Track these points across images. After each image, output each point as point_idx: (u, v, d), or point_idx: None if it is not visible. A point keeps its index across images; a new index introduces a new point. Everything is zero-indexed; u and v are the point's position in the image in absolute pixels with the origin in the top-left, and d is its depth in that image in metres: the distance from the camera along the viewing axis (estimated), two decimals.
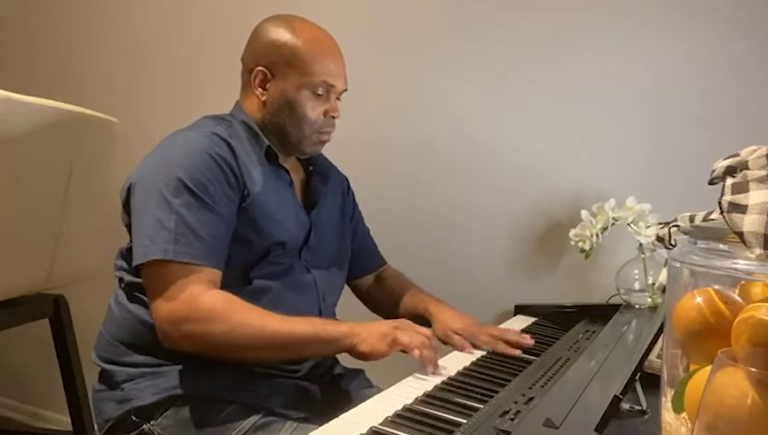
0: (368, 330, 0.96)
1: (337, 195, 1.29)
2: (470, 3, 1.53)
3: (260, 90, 1.12)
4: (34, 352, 1.96)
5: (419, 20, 1.58)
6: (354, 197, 1.36)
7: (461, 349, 1.07)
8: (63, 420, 2.03)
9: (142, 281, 1.01)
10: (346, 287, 1.32)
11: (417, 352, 0.92)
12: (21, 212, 1.30)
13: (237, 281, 1.02)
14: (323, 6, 1.66)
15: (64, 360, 1.54)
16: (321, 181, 1.24)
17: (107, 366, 1.08)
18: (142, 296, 1.05)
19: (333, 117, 1.13)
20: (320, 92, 1.10)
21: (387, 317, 1.31)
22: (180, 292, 0.94)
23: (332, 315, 1.22)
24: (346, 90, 1.16)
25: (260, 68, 1.11)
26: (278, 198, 1.10)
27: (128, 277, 1.08)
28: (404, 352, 0.94)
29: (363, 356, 0.95)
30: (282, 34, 1.10)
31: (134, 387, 1.03)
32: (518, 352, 1.05)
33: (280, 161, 1.13)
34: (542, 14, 1.46)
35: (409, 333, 0.95)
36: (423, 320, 1.21)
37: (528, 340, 1.09)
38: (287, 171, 1.14)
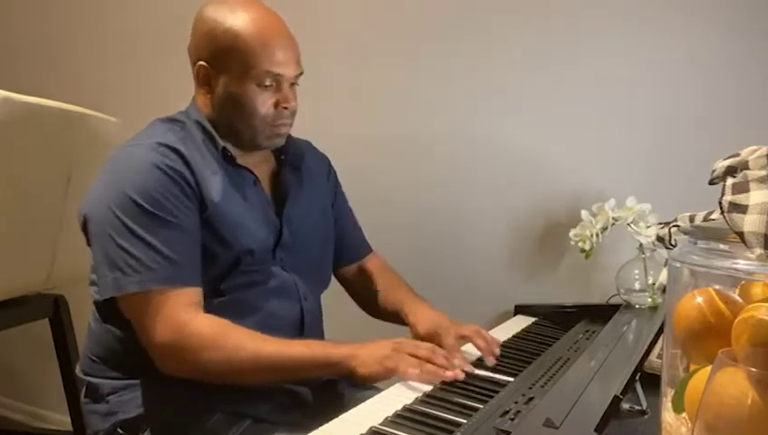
0: (368, 352, 0.91)
1: (316, 181, 1.20)
2: (470, 3, 1.52)
3: (206, 87, 1.04)
4: (34, 352, 1.96)
5: (420, 20, 1.58)
6: (336, 178, 1.28)
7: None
8: (63, 420, 2.03)
9: (113, 303, 0.97)
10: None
11: (421, 374, 0.87)
12: (21, 212, 1.30)
13: (208, 294, 0.97)
14: (325, 6, 1.66)
15: (64, 360, 1.54)
16: (293, 171, 1.15)
17: (92, 380, 1.05)
18: (113, 316, 1.02)
19: (286, 108, 1.03)
20: (267, 84, 1.00)
21: (368, 310, 1.28)
22: (167, 320, 0.91)
23: (317, 315, 1.16)
24: (301, 73, 1.05)
25: (201, 63, 1.02)
26: (241, 202, 1.03)
27: (97, 296, 1.03)
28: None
29: (362, 380, 0.91)
30: (218, 23, 0.99)
31: (118, 399, 1.01)
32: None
33: (239, 162, 1.05)
34: (542, 15, 1.46)
35: (403, 358, 0.89)
36: (399, 320, 1.17)
37: (493, 355, 0.99)
38: (249, 170, 1.07)
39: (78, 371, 1.10)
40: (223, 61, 1.00)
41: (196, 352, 0.91)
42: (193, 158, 1.00)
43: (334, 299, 1.27)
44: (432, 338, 1.03)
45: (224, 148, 1.03)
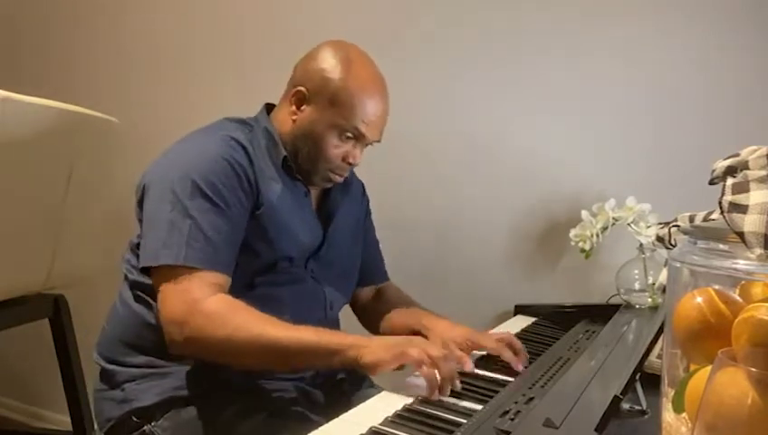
0: (378, 343, 0.90)
1: (354, 202, 1.27)
2: (471, 2, 1.53)
3: (293, 108, 1.10)
4: (34, 352, 1.96)
5: (421, 19, 1.58)
6: (368, 203, 1.33)
7: (463, 365, 0.94)
8: (63, 420, 2.03)
9: (151, 282, 1.00)
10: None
11: (424, 369, 0.84)
12: (21, 212, 1.30)
13: (241, 286, 1.01)
14: (325, 4, 1.66)
15: (64, 360, 1.54)
16: (342, 191, 1.21)
17: (108, 366, 1.07)
18: (146, 297, 1.05)
19: (350, 163, 1.10)
20: (349, 136, 1.07)
21: (379, 329, 1.27)
22: (185, 295, 0.93)
23: (336, 325, 1.20)
24: (378, 141, 1.12)
25: (302, 88, 1.08)
26: (292, 210, 1.09)
27: (132, 276, 1.07)
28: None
29: (368, 368, 0.88)
30: (335, 68, 1.06)
31: (135, 387, 1.03)
32: (520, 367, 0.97)
33: (296, 173, 1.11)
34: (542, 14, 1.46)
35: (419, 350, 0.86)
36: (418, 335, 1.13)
37: (522, 360, 1.00)
38: (303, 183, 1.12)
39: (96, 356, 1.10)
40: (322, 100, 1.07)
41: (200, 329, 0.91)
42: (257, 158, 1.05)
43: (349, 315, 1.28)
44: (466, 345, 1.03)
45: (285, 157, 1.09)
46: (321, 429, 0.73)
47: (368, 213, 1.34)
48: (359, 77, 1.07)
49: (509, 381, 0.89)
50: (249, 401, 1.01)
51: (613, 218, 1.27)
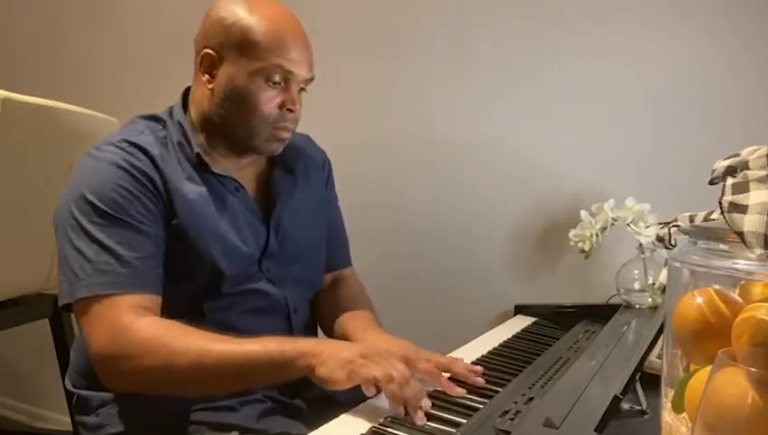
0: (333, 350, 0.80)
1: (311, 179, 1.12)
2: (471, 3, 1.52)
3: (207, 76, 0.96)
4: (34, 352, 1.96)
5: (421, 19, 1.58)
6: (331, 172, 1.20)
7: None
8: (63, 420, 2.03)
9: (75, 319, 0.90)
10: None
11: (389, 388, 0.74)
12: (21, 212, 1.30)
13: (188, 314, 0.90)
14: (326, 5, 1.66)
15: (64, 360, 1.54)
16: (285, 172, 1.07)
17: (81, 392, 1.01)
18: None
19: (291, 110, 0.96)
20: (276, 80, 0.94)
21: (325, 332, 1.13)
22: (107, 326, 0.84)
23: (308, 326, 1.09)
24: (312, 78, 0.99)
25: (207, 50, 0.95)
26: (217, 213, 0.96)
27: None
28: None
29: (321, 382, 0.79)
30: (233, 12, 0.94)
31: (108, 412, 0.97)
32: (461, 391, 0.83)
33: (215, 169, 0.97)
34: (542, 16, 1.46)
35: (376, 366, 0.77)
36: None
37: (478, 378, 0.87)
38: (230, 177, 0.99)
39: (67, 383, 1.05)
40: (232, 51, 0.94)
41: (133, 359, 0.82)
42: (166, 161, 0.94)
43: None
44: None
45: (197, 154, 0.96)
46: (320, 429, 0.73)
47: (329, 181, 1.19)
48: (262, 11, 0.94)
49: (509, 381, 0.88)
50: (222, 419, 0.92)
51: (612, 219, 1.27)
